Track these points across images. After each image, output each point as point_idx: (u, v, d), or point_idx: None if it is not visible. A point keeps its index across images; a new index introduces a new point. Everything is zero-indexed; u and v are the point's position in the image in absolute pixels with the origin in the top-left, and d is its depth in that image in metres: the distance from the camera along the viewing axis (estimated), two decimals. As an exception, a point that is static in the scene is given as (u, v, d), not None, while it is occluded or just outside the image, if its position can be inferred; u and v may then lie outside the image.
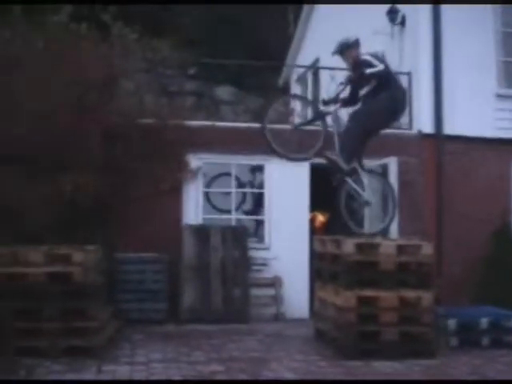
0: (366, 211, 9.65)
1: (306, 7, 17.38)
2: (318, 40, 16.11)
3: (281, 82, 19.37)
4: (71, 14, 10.73)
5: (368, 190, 8.38)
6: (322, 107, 8.40)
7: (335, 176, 8.28)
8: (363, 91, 8.19)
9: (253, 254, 10.88)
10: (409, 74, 11.53)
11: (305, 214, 11.38)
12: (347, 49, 8.20)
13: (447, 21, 11.52)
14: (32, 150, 8.96)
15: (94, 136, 9.44)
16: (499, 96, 11.71)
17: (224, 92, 20.50)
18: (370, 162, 10.21)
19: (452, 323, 8.35)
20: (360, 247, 7.81)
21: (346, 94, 8.29)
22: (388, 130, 9.92)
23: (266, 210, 11.34)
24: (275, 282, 10.96)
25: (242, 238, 10.79)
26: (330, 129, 8.29)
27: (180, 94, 13.83)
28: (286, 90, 18.96)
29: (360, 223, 9.40)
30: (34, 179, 8.98)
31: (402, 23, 12.12)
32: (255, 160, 11.17)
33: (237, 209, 11.47)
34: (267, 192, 11.34)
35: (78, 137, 9.24)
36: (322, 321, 8.60)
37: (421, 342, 7.67)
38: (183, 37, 12.94)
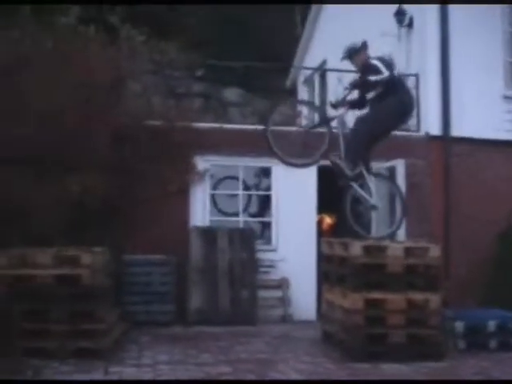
0: (374, 215, 9.65)
1: (313, 9, 17.37)
2: (326, 42, 16.11)
3: (288, 83, 19.36)
4: (79, 16, 10.75)
5: (375, 194, 8.37)
6: (329, 110, 8.40)
7: (341, 180, 8.28)
8: (370, 95, 8.19)
9: (260, 255, 10.89)
10: (416, 75, 11.53)
11: (312, 216, 11.38)
12: (355, 53, 8.20)
13: (454, 22, 11.52)
14: (40, 151, 8.98)
15: (101, 137, 9.46)
16: (506, 98, 11.70)
17: (231, 94, 20.49)
18: (378, 164, 10.22)
19: (460, 326, 8.34)
20: (368, 250, 7.80)
21: (353, 96, 8.29)
22: (395, 132, 9.93)
23: (273, 211, 11.34)
24: (282, 284, 10.97)
25: (249, 239, 10.80)
26: (335, 132, 8.29)
27: (187, 96, 13.85)
28: (293, 91, 18.96)
29: (367, 227, 9.40)
30: (42, 180, 9.00)
31: (410, 25, 12.11)
32: (262, 162, 11.16)
33: (243, 211, 11.48)
34: (274, 194, 11.34)
35: (86, 138, 9.26)
36: (330, 323, 8.59)
37: (428, 345, 7.66)
38: (190, 39, 12.96)
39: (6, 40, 9.92)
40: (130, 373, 6.88)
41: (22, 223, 8.86)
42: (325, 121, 8.36)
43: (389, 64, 8.09)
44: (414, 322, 7.64)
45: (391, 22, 12.18)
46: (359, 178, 8.26)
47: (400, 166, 11.32)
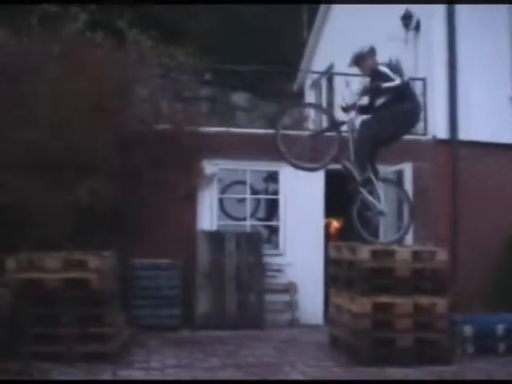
0: (382, 220, 9.64)
1: (320, 12, 17.39)
2: (333, 46, 16.12)
3: (295, 87, 19.38)
4: (87, 21, 10.79)
5: (383, 200, 8.36)
6: (339, 115, 8.40)
7: (349, 185, 8.27)
8: (379, 101, 8.18)
9: (267, 259, 10.89)
10: (423, 79, 11.52)
11: (320, 220, 11.38)
12: (363, 59, 8.19)
13: (462, 25, 11.52)
14: (49, 157, 9.02)
15: (109, 142, 9.48)
16: (515, 101, 11.68)
17: (239, 98, 20.51)
18: (385, 168, 10.22)
19: (468, 330, 8.32)
20: (375, 254, 7.80)
21: (363, 101, 8.29)
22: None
23: (280, 216, 11.35)
24: (290, 288, 10.97)
25: (256, 243, 10.81)
26: (345, 136, 8.29)
27: (195, 100, 13.86)
28: (300, 95, 18.97)
29: (375, 233, 9.39)
30: (51, 185, 9.03)
31: (417, 28, 12.11)
32: (270, 166, 11.17)
33: (251, 216, 11.49)
34: (282, 198, 11.35)
35: (94, 143, 9.29)
36: (337, 327, 8.59)
37: (436, 349, 7.64)
38: (198, 43, 12.97)
39: (14, 47, 9.98)
40: (137, 376, 6.90)
41: (31, 227, 8.89)
42: (334, 125, 8.37)
43: (397, 70, 8.08)
44: (422, 326, 7.63)
45: (398, 26, 12.19)
46: (368, 184, 8.26)
47: (407, 169, 11.32)
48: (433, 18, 11.77)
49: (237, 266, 10.62)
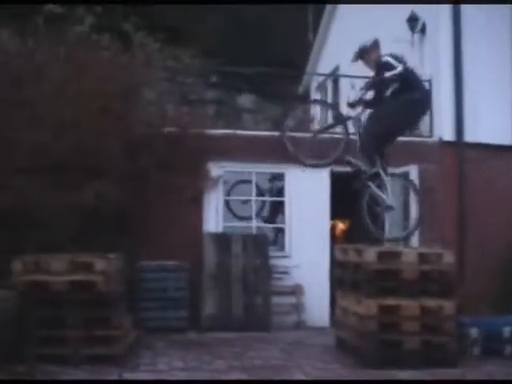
0: (387, 216, 9.64)
1: (325, 15, 17.39)
2: (338, 48, 16.11)
3: (301, 89, 19.38)
4: (93, 24, 10.82)
5: (391, 194, 8.35)
6: (346, 109, 8.39)
7: (357, 180, 8.26)
8: (386, 93, 8.16)
9: (274, 262, 10.89)
10: (429, 81, 11.50)
11: (325, 222, 11.37)
12: (366, 52, 8.20)
13: (467, 28, 11.50)
14: (55, 159, 9.04)
15: (116, 145, 9.50)
16: (521, 102, 11.66)
17: (245, 100, 20.52)
18: (391, 170, 10.19)
19: (474, 332, 8.31)
20: (381, 256, 7.79)
21: (369, 96, 8.28)
22: (409, 138, 9.93)
23: (286, 218, 11.34)
24: (296, 290, 10.96)
25: (262, 245, 10.81)
26: (351, 133, 8.29)
27: (201, 103, 13.88)
28: (306, 97, 18.96)
29: (381, 228, 9.38)
30: (58, 188, 9.05)
31: (422, 31, 12.09)
32: (276, 168, 11.18)
33: (257, 216, 11.48)
34: (288, 200, 11.34)
35: (101, 146, 9.30)
36: (344, 329, 8.58)
37: (442, 351, 7.63)
38: (204, 45, 13.00)
39: (20, 48, 10.00)
40: (144, 378, 6.90)
41: (37, 230, 8.90)
42: (341, 120, 8.37)
43: (401, 60, 8.07)
44: (428, 329, 7.62)
45: (404, 29, 12.17)
46: (376, 178, 8.24)
47: (413, 171, 11.30)
48: (438, 20, 11.76)
49: (243, 268, 10.62)
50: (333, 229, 12.79)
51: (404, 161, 10.95)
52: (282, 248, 11.31)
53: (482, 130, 11.34)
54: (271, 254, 10.88)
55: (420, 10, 12.01)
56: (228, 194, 11.35)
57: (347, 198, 9.44)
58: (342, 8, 16.39)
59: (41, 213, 8.98)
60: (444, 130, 11.50)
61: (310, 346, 9.20)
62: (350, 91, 8.55)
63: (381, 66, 8.03)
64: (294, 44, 21.79)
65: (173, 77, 12.04)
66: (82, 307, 7.43)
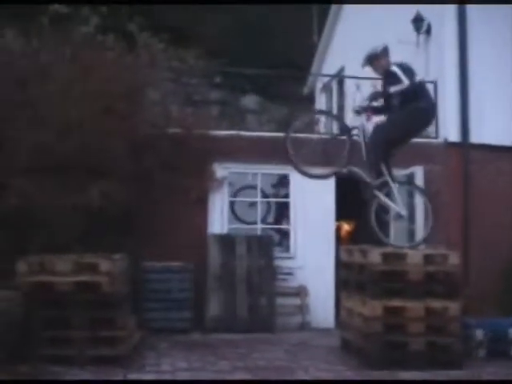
0: (393, 223, 9.62)
1: (330, 16, 17.38)
2: (343, 49, 16.12)
3: (306, 90, 19.37)
4: (98, 24, 10.83)
5: (400, 202, 8.33)
6: (349, 119, 8.38)
7: (365, 191, 8.24)
8: (393, 101, 8.14)
9: (278, 263, 10.87)
10: (434, 82, 11.49)
11: (331, 223, 11.36)
12: (376, 59, 8.18)
13: (473, 29, 11.48)
14: (60, 160, 9.04)
15: (120, 145, 9.50)
16: (527, 103, 11.63)
17: (249, 101, 20.54)
18: (396, 172, 10.17)
19: (480, 334, 8.29)
20: (386, 257, 7.77)
21: (377, 103, 8.27)
22: (414, 139, 9.89)
23: (291, 219, 11.33)
24: (301, 292, 10.95)
25: (267, 247, 10.80)
26: (356, 141, 8.27)
27: (205, 103, 13.88)
28: (310, 99, 18.96)
29: (387, 233, 9.36)
30: (62, 188, 9.05)
31: (428, 32, 12.08)
32: (281, 169, 11.16)
33: (262, 221, 11.47)
34: (293, 201, 11.33)
35: (106, 146, 9.31)
36: (348, 330, 8.56)
37: (448, 353, 7.61)
38: (208, 46, 13.02)
39: (25, 49, 10.02)
40: (148, 379, 6.90)
41: (42, 230, 8.91)
42: (345, 131, 8.35)
43: (409, 70, 8.05)
44: (434, 330, 7.60)
45: (409, 29, 12.16)
46: (384, 187, 8.22)
47: (419, 172, 11.29)
48: (444, 20, 11.74)
49: (248, 269, 10.61)
50: (338, 230, 12.78)
51: (409, 162, 10.94)
52: (287, 249, 11.30)
53: (487, 130, 11.32)
54: (276, 255, 10.87)
55: (425, 10, 11.99)
56: (233, 197, 11.33)
57: (352, 200, 9.42)
58: (347, 8, 16.38)
59: (45, 213, 8.98)
60: (449, 131, 11.48)
61: (315, 347, 9.19)
62: (355, 93, 8.54)
63: (388, 75, 8.01)
64: (297, 45, 21.78)
65: (177, 77, 12.04)
66: (87, 308, 7.42)
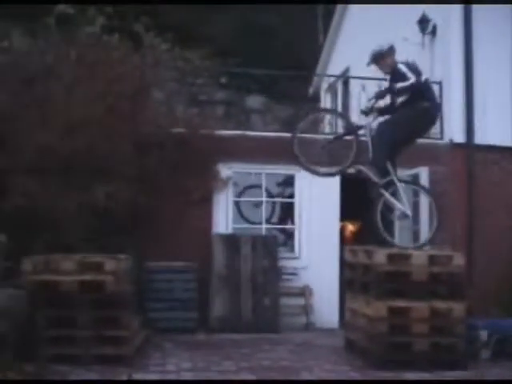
0: (397, 223, 9.60)
1: (336, 16, 17.38)
2: (349, 49, 16.11)
3: (311, 91, 19.37)
4: (104, 24, 10.84)
5: (406, 202, 8.33)
6: (357, 118, 8.38)
7: (372, 189, 8.24)
8: (398, 101, 8.15)
9: (283, 263, 10.88)
10: (440, 83, 11.48)
11: (335, 224, 11.36)
12: (382, 57, 8.18)
13: (478, 30, 11.46)
14: (65, 160, 9.06)
15: (126, 145, 9.52)
16: (532, 105, 11.61)
17: (254, 101, 20.54)
18: (401, 172, 10.18)
19: (484, 335, 8.27)
20: (391, 258, 7.77)
21: (383, 104, 8.27)
22: (419, 140, 9.88)
23: (296, 219, 11.34)
24: (305, 292, 10.95)
25: (272, 247, 10.80)
26: (363, 141, 8.27)
27: (210, 104, 13.88)
28: (316, 99, 18.96)
29: (392, 233, 9.35)
30: (67, 188, 9.07)
31: (433, 32, 12.06)
32: (285, 169, 11.17)
33: (267, 220, 11.48)
34: (297, 201, 11.34)
35: (111, 146, 9.32)
36: (353, 331, 8.56)
37: (452, 354, 7.60)
38: (214, 46, 13.02)
39: (31, 49, 10.04)
40: (153, 379, 6.91)
41: (47, 230, 8.93)
42: (351, 130, 8.35)
43: (415, 69, 8.07)
44: (438, 331, 7.59)
45: (415, 30, 12.15)
46: (390, 186, 8.22)
47: (424, 173, 11.29)
48: (449, 21, 11.72)
49: (252, 269, 10.61)
50: (342, 230, 12.77)
51: (414, 163, 10.95)
52: (292, 249, 11.31)
53: (493, 131, 11.30)
54: (280, 255, 10.88)
55: (430, 11, 11.98)
56: (238, 197, 11.34)
57: (357, 200, 9.42)
58: (353, 8, 16.37)
59: (50, 213, 9.00)
60: (454, 131, 11.46)
61: (319, 347, 9.19)
62: (360, 93, 8.54)
63: (394, 74, 8.02)
64: (302, 45, 21.80)
65: (182, 78, 12.05)
66: (92, 307, 7.44)
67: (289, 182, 11.50)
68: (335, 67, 17.28)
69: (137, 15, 11.63)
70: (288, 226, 11.55)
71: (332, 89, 17.58)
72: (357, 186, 8.80)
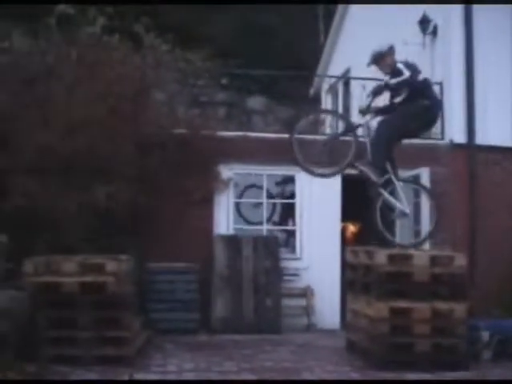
0: (398, 222, 9.58)
1: (336, 17, 17.37)
2: (349, 50, 16.11)
3: (312, 91, 19.37)
4: (104, 25, 10.84)
5: (405, 200, 8.33)
6: (359, 117, 8.38)
7: (371, 188, 8.24)
8: (397, 100, 8.16)
9: (284, 264, 10.88)
10: (440, 83, 11.47)
11: (336, 224, 11.35)
12: (381, 58, 8.18)
13: (479, 30, 11.46)
14: (66, 160, 9.06)
15: (127, 146, 9.52)
16: (533, 105, 11.60)
17: (255, 102, 20.55)
18: (402, 173, 10.17)
19: (486, 335, 8.26)
20: (392, 258, 7.75)
21: (379, 103, 8.27)
22: (420, 140, 9.89)
23: (297, 220, 11.33)
24: (306, 293, 10.95)
25: (273, 247, 10.80)
26: (361, 140, 8.27)
27: (212, 105, 13.88)
28: (316, 99, 18.96)
29: (393, 233, 9.34)
30: (68, 189, 9.07)
31: (434, 33, 12.06)
32: (286, 170, 11.16)
33: (268, 221, 11.48)
34: (298, 202, 11.34)
35: (112, 147, 9.32)
36: (354, 332, 8.55)
37: (454, 354, 7.59)
38: (214, 47, 13.02)
39: (32, 49, 10.04)
40: (154, 379, 6.91)
41: (48, 231, 8.92)
42: (350, 129, 8.35)
43: (412, 67, 8.07)
44: (440, 332, 7.58)
45: (415, 31, 12.14)
46: (389, 185, 8.22)
47: (424, 174, 11.28)
48: (450, 21, 11.72)
49: (254, 269, 10.61)
50: (344, 231, 12.76)
51: (415, 163, 10.94)
52: (293, 250, 11.31)
53: (493, 132, 11.29)
54: (282, 256, 10.88)
55: (431, 11, 11.98)
56: (239, 198, 11.35)
57: (358, 201, 9.41)
58: (354, 9, 16.36)
59: (51, 214, 9.00)
60: (455, 132, 11.45)
61: (321, 348, 9.19)
62: (361, 93, 8.54)
63: (394, 73, 8.03)
64: (303, 46, 21.79)
65: (184, 79, 12.05)
66: (93, 308, 7.43)
67: (290, 182, 11.49)
68: (336, 68, 17.28)
69: (137, 15, 11.61)
70: (289, 227, 11.54)
71: (333, 89, 17.57)
72: (358, 187, 8.79)
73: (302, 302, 10.91)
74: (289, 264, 10.98)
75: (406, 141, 8.62)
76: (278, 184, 11.71)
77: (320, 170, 8.36)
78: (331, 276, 11.00)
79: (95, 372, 7.05)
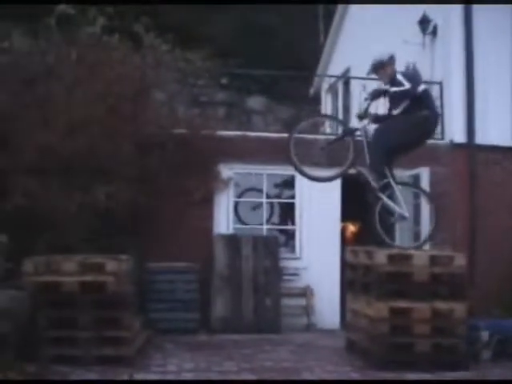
0: (398, 225, 9.58)
1: (336, 17, 17.37)
2: (349, 50, 16.11)
3: (312, 91, 19.37)
4: (104, 25, 10.84)
5: (403, 204, 8.32)
6: (358, 122, 8.38)
7: (370, 193, 8.24)
8: (396, 112, 8.15)
9: (284, 263, 10.88)
10: (440, 83, 11.48)
11: (336, 224, 11.36)
12: (382, 67, 8.18)
13: (479, 30, 11.46)
14: (66, 160, 9.06)
15: (127, 146, 9.52)
16: (533, 104, 11.60)
17: (255, 102, 20.56)
18: (402, 173, 10.18)
19: (485, 335, 8.26)
20: (392, 258, 7.76)
21: (376, 109, 8.28)
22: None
23: (297, 220, 11.33)
24: (306, 292, 10.95)
25: (273, 247, 10.80)
26: (359, 144, 8.27)
27: (212, 104, 13.88)
28: (316, 99, 18.96)
29: (392, 235, 9.34)
30: (68, 189, 9.07)
31: (434, 33, 12.06)
32: (286, 170, 11.13)
33: (267, 222, 11.47)
34: (298, 202, 11.34)
35: (112, 147, 9.32)
36: (354, 332, 8.55)
37: (453, 354, 7.59)
38: (214, 47, 13.01)
39: (32, 50, 10.04)
40: (154, 379, 6.91)
41: (48, 231, 8.92)
42: (349, 132, 8.35)
43: (413, 78, 8.07)
44: (439, 332, 7.58)
45: (415, 30, 12.14)
46: (387, 189, 8.22)
47: (424, 173, 11.29)
48: (450, 21, 11.72)
49: (253, 269, 10.61)
50: (343, 231, 12.76)
51: (415, 163, 10.94)
52: (293, 250, 11.31)
53: (494, 131, 11.30)
54: (281, 255, 10.88)
55: (431, 11, 11.98)
56: (239, 198, 11.35)
57: (358, 201, 9.41)
58: (354, 9, 16.36)
59: (51, 214, 9.00)
60: (455, 131, 11.46)
61: (320, 348, 9.19)
62: (361, 93, 8.53)
63: (395, 84, 8.02)
64: (303, 45, 21.79)
65: (184, 78, 12.05)
66: (93, 308, 7.43)
67: (290, 182, 11.49)
68: (336, 67, 17.28)
69: (137, 15, 11.60)
70: (289, 227, 11.54)
71: (333, 89, 17.58)
72: (358, 187, 8.79)
73: (302, 301, 10.91)
74: (288, 264, 10.99)
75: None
76: (279, 185, 11.71)
77: (316, 173, 8.37)
78: (331, 276, 11.01)
79: (95, 372, 7.05)
